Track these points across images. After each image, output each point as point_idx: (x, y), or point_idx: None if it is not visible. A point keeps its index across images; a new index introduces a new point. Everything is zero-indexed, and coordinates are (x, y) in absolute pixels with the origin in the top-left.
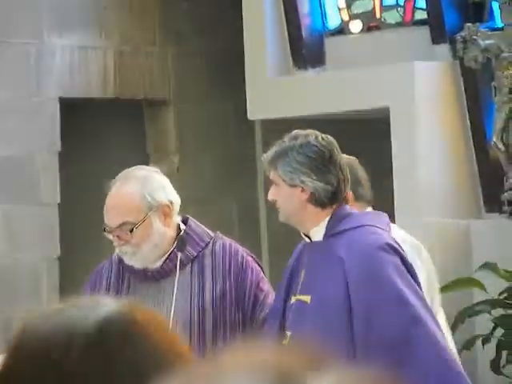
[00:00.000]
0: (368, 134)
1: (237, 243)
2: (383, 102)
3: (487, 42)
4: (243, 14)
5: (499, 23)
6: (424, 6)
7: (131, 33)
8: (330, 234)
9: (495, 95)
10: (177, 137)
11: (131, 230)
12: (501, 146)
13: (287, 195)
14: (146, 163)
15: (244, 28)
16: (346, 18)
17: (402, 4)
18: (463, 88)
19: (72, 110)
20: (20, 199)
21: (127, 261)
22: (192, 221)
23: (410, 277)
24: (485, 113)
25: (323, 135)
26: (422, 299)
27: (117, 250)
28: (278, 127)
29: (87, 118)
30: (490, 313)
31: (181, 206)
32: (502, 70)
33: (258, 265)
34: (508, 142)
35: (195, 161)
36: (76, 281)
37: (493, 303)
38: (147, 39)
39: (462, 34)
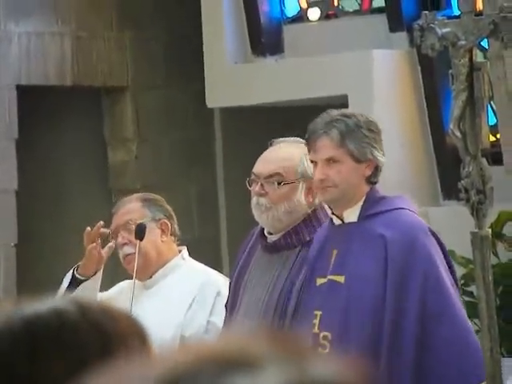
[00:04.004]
0: None
1: None
2: (341, 90)
3: (444, 30)
4: (201, 0)
5: (456, 11)
6: None
7: (88, 18)
8: (365, 215)
9: (452, 83)
10: (135, 123)
11: (279, 183)
12: (458, 133)
13: (351, 171)
14: (104, 150)
15: (202, 14)
16: (304, 5)
17: None
18: (421, 76)
19: (29, 97)
20: None
21: (258, 216)
22: (321, 207)
23: (446, 266)
24: (442, 100)
25: None
26: (455, 287)
27: (253, 201)
28: (237, 113)
29: (45, 105)
30: None
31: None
32: (459, 57)
33: None
34: (465, 129)
35: (153, 147)
36: (33, 268)
37: None
38: (104, 24)
39: (420, 22)
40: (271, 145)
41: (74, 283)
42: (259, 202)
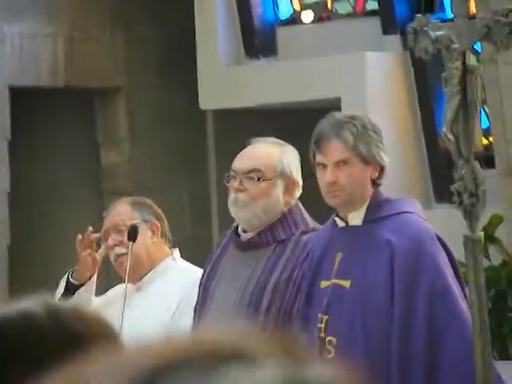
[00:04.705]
0: None
1: None
2: (334, 92)
3: (438, 33)
4: (195, 2)
5: (450, 14)
6: None
7: (81, 19)
8: (370, 218)
9: (445, 86)
10: (128, 125)
11: (259, 179)
12: (451, 136)
13: (360, 173)
14: (97, 152)
15: (195, 17)
16: (297, 8)
17: None
18: (414, 78)
19: (22, 98)
20: None
21: (234, 212)
22: (297, 206)
23: (453, 273)
24: (435, 103)
25: None
26: (463, 296)
27: (231, 198)
28: (229, 115)
29: (37, 106)
30: None
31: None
32: (452, 61)
33: None
34: (458, 133)
35: (146, 149)
36: (25, 270)
37: None
38: (97, 25)
39: (413, 24)
40: (249, 143)
41: (70, 289)
42: (238, 198)
